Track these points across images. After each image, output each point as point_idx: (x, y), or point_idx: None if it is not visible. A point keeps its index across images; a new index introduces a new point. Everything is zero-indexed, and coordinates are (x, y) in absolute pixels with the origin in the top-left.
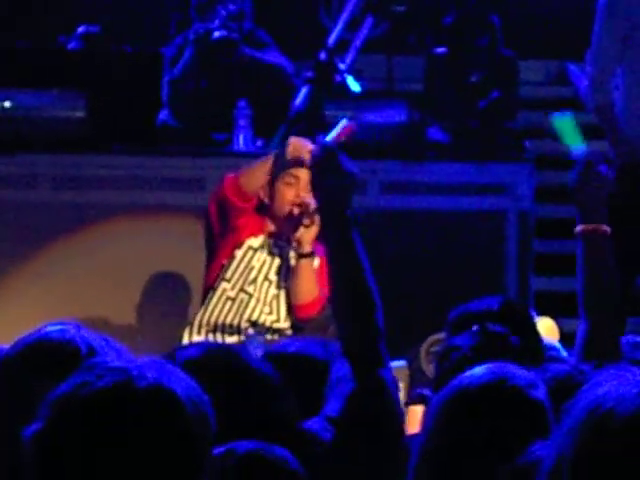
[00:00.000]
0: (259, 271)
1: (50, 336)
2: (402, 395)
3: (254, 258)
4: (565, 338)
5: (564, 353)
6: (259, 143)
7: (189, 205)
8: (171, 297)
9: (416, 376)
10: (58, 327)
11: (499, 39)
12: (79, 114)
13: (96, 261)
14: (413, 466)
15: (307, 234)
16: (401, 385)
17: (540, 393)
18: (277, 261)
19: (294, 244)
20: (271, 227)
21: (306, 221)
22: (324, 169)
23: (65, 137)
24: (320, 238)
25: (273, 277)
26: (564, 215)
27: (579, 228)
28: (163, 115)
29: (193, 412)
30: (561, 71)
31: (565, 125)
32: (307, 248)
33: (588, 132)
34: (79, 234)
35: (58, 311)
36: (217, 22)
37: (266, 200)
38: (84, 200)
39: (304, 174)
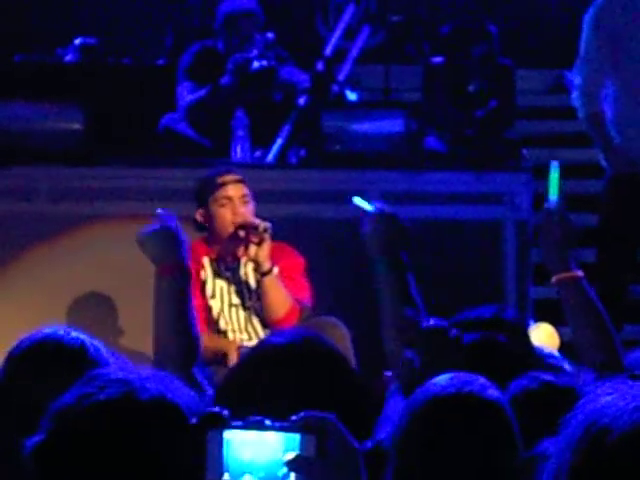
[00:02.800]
0: (222, 300)
1: (57, 335)
2: None
3: (215, 288)
4: (565, 347)
5: (566, 366)
6: (257, 153)
7: (186, 216)
8: None
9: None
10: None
11: (496, 48)
12: (76, 126)
13: (94, 271)
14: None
15: (261, 252)
16: None
17: (496, 393)
18: (233, 284)
19: (253, 266)
20: (216, 250)
21: (255, 239)
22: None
23: (62, 150)
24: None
25: (236, 301)
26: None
27: (554, 278)
28: (168, 120)
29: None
30: (559, 80)
31: (555, 175)
32: (266, 265)
33: (580, 140)
34: (76, 243)
35: (57, 317)
36: (255, 51)
37: (205, 223)
38: (81, 212)
39: (234, 191)
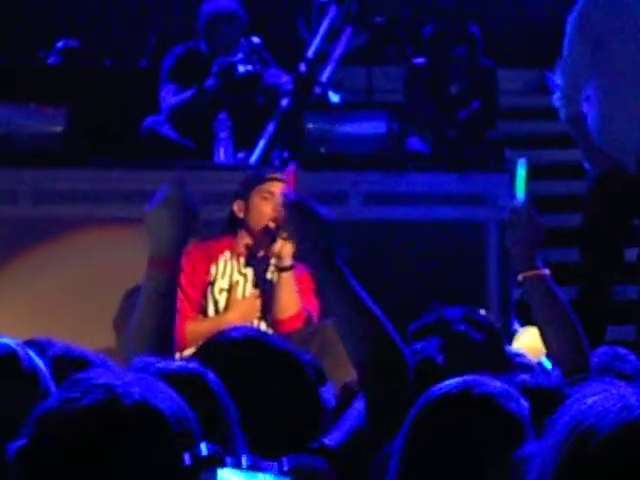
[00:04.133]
0: (243, 290)
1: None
2: None
3: (233, 276)
4: None
5: (548, 364)
6: (240, 155)
7: None
8: None
9: None
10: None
11: (478, 49)
12: (59, 129)
13: (78, 274)
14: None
15: (286, 247)
16: None
17: (512, 404)
18: (251, 276)
19: (274, 258)
20: (247, 242)
21: (284, 234)
22: (300, 223)
23: (44, 152)
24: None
25: (252, 292)
26: (545, 224)
27: (520, 276)
28: (151, 123)
29: (178, 430)
30: (541, 80)
31: (522, 173)
32: (287, 261)
33: (562, 141)
34: (60, 247)
35: (42, 321)
36: (240, 55)
37: (241, 215)
38: (64, 214)
39: (278, 188)
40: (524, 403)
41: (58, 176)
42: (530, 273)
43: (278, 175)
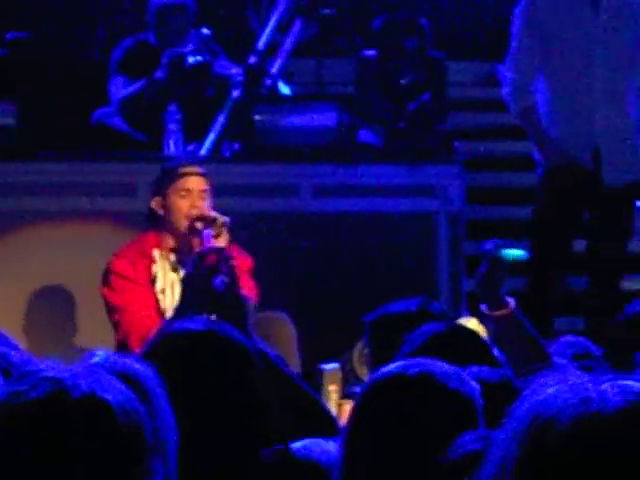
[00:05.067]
0: (172, 295)
1: None
2: (335, 396)
3: (166, 282)
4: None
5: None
6: (190, 147)
7: (120, 211)
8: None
9: (349, 378)
10: None
11: (428, 41)
12: (9, 122)
13: (26, 268)
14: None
15: (219, 244)
16: (334, 387)
17: (454, 382)
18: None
19: None
20: (170, 242)
21: (212, 232)
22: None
23: None
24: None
25: None
26: (494, 216)
27: (490, 314)
28: (101, 115)
29: (126, 422)
30: (491, 72)
31: (516, 254)
32: None
33: (512, 133)
34: (10, 241)
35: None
36: (190, 46)
37: (160, 212)
38: (14, 208)
39: (195, 184)
40: (473, 384)
41: (8, 169)
42: (501, 312)
43: (189, 169)
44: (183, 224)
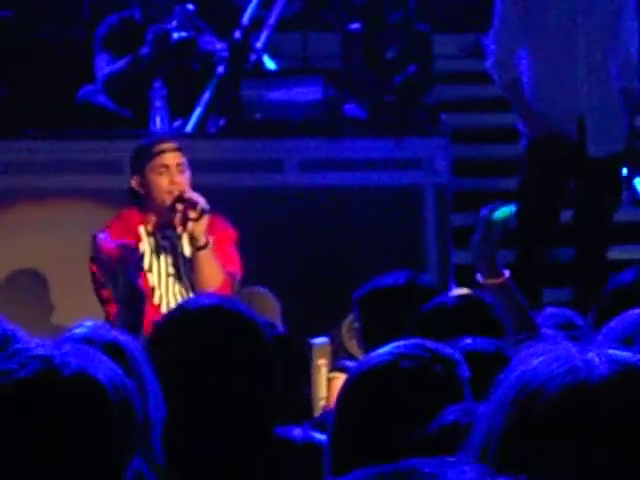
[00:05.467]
0: (158, 273)
1: None
2: (325, 370)
3: (152, 260)
4: None
5: None
6: (176, 123)
7: (106, 188)
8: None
9: (339, 352)
10: None
11: (413, 14)
12: None
13: (11, 246)
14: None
15: (198, 227)
16: (324, 361)
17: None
18: (170, 255)
19: (189, 239)
20: (154, 219)
21: (193, 215)
22: None
23: None
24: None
25: (172, 271)
26: (481, 188)
27: (490, 282)
28: (87, 92)
29: (116, 399)
30: (476, 44)
31: (507, 211)
32: (202, 240)
33: (498, 104)
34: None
35: None
36: (175, 22)
37: (141, 191)
38: (1, 186)
39: (171, 159)
40: (458, 357)
41: None
42: (494, 280)
43: (164, 145)
44: (165, 200)
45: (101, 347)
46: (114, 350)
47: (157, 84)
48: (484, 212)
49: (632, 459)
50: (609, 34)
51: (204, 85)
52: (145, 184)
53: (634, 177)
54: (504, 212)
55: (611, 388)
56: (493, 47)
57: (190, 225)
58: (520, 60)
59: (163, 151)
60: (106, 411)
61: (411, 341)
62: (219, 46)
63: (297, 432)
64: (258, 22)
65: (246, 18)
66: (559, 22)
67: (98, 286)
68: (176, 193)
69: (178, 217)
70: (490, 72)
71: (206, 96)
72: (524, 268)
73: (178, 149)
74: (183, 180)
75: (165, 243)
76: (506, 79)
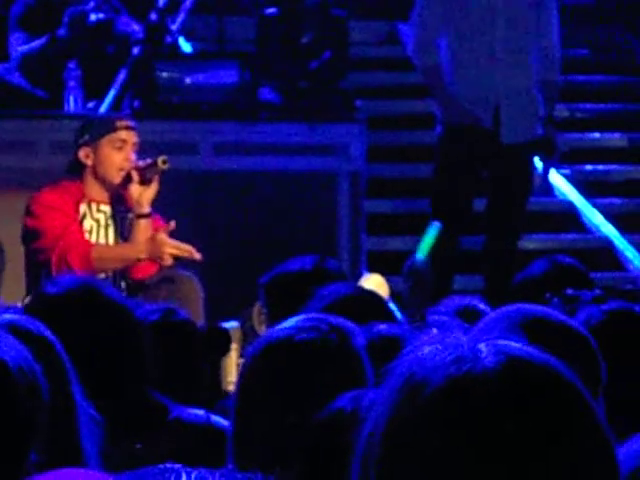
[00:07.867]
0: (97, 237)
1: None
2: (235, 355)
3: (85, 222)
4: (396, 296)
5: (396, 312)
6: (90, 104)
7: (20, 168)
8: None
9: (249, 336)
10: None
11: (329, 0)
12: None
13: None
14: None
15: (145, 194)
16: (234, 345)
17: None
18: (104, 222)
19: (133, 205)
20: (95, 193)
21: (150, 173)
22: None
23: None
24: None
25: (111, 239)
26: (395, 175)
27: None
28: (0, 71)
29: (23, 382)
30: (391, 31)
31: (432, 234)
32: (146, 208)
33: (413, 91)
34: None
35: None
36: (92, 4)
37: (88, 162)
38: None
39: (129, 137)
40: (360, 340)
41: None
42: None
43: (124, 122)
44: (114, 176)
45: (22, 335)
46: (27, 338)
47: (72, 65)
48: (408, 263)
49: (495, 459)
50: (529, 23)
51: (119, 66)
52: (97, 156)
53: (548, 167)
54: (430, 239)
55: (494, 380)
56: (414, 31)
57: (137, 190)
58: (441, 47)
59: (125, 127)
60: (11, 392)
61: (308, 315)
62: (136, 28)
63: (198, 414)
64: (174, 4)
65: (162, 0)
66: (478, 10)
67: (34, 238)
68: (125, 171)
69: (136, 181)
70: (411, 57)
71: (121, 77)
72: (436, 255)
73: (134, 128)
74: (134, 160)
75: (116, 218)
76: (426, 63)
